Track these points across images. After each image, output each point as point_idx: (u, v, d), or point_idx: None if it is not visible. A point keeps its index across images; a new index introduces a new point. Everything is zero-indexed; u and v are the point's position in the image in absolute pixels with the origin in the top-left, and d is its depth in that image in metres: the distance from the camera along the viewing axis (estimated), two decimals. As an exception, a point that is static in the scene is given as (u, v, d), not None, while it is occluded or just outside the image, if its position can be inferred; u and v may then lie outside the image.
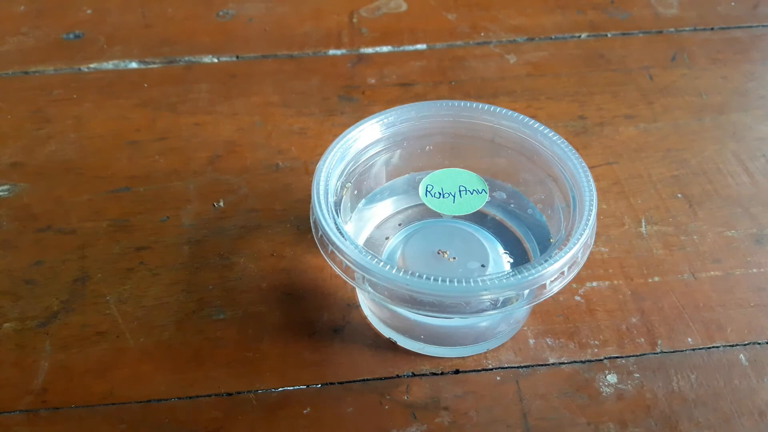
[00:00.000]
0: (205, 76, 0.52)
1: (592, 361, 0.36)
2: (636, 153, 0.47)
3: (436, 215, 0.38)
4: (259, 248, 0.41)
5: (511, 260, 0.37)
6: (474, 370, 0.36)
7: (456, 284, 0.30)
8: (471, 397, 0.35)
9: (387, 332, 0.37)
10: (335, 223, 0.32)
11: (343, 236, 0.32)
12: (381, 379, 0.35)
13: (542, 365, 0.36)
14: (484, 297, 0.30)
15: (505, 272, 0.31)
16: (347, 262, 0.32)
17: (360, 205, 0.39)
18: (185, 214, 0.43)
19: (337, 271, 0.32)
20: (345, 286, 0.39)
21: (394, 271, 0.30)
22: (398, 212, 0.39)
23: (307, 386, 0.35)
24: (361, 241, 0.38)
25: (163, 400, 0.35)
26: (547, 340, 0.37)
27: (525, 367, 0.36)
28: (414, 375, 0.35)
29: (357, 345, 0.37)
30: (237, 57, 0.54)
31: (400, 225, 0.39)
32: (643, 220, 0.43)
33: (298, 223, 0.42)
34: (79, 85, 0.51)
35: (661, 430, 0.34)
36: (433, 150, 0.39)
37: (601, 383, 0.35)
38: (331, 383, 0.35)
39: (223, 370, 0.36)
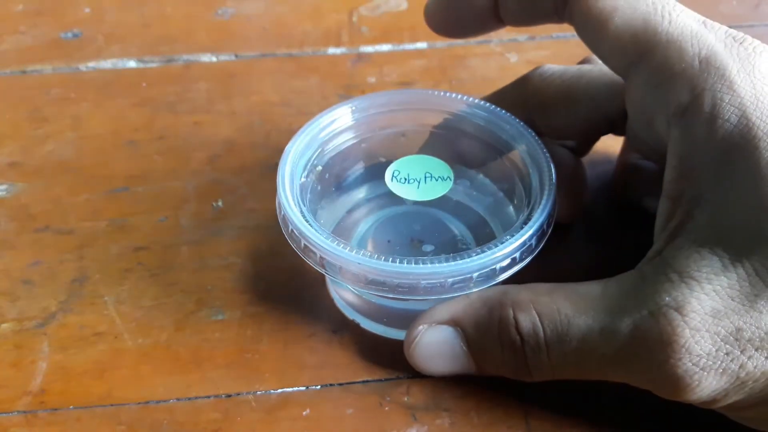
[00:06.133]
0: (203, 75, 0.52)
1: (594, 361, 0.36)
2: (637, 152, 0.47)
3: (403, 201, 0.39)
4: (258, 248, 0.41)
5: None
6: (475, 371, 0.35)
7: (405, 265, 0.31)
8: (471, 398, 0.34)
9: (351, 314, 0.37)
10: (301, 211, 0.34)
11: (305, 218, 0.33)
12: (381, 380, 0.35)
13: (543, 366, 0.36)
14: (434, 280, 0.31)
15: (455, 254, 0.31)
16: (305, 242, 0.33)
17: (331, 191, 0.39)
18: (184, 214, 0.43)
19: (298, 252, 0.34)
20: (345, 287, 0.39)
21: (347, 249, 0.31)
22: (369, 199, 0.40)
23: (307, 387, 0.35)
24: (331, 228, 0.39)
25: (162, 401, 0.34)
26: (548, 340, 0.37)
27: (526, 367, 0.36)
28: (414, 376, 0.35)
29: (357, 346, 0.36)
30: (236, 56, 0.54)
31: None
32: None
33: (298, 222, 0.42)
34: (77, 84, 0.51)
35: (661, 429, 0.33)
36: (404, 137, 0.40)
37: (601, 382, 0.35)
38: (330, 384, 0.35)
39: (222, 371, 0.35)
